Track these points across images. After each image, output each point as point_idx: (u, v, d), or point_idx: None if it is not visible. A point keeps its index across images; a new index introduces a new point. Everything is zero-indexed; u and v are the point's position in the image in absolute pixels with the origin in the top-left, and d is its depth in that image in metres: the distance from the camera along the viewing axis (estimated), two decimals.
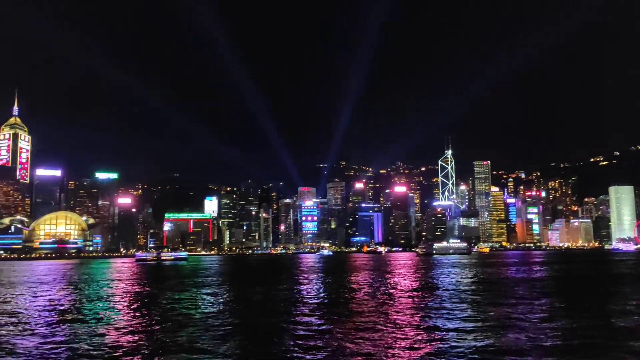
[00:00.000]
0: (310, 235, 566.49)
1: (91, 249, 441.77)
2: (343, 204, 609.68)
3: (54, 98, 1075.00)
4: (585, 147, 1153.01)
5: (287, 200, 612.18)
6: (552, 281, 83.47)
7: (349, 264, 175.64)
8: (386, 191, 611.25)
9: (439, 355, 27.91)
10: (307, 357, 28.04)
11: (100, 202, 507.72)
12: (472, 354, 28.19)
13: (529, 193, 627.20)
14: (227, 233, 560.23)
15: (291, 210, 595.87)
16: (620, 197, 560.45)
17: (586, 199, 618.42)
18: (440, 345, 30.39)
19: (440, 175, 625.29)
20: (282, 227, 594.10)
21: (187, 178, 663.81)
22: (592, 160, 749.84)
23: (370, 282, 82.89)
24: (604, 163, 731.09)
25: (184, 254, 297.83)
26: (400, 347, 30.07)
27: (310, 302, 53.85)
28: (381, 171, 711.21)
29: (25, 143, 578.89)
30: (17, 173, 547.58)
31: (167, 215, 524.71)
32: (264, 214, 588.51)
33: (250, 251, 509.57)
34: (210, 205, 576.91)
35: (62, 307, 51.57)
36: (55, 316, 44.96)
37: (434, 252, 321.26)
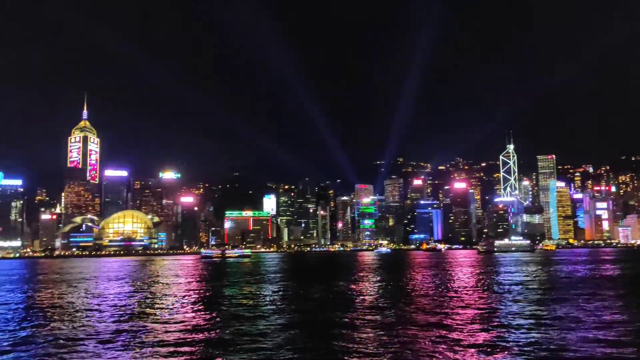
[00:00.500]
0: (368, 233, 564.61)
1: (156, 246, 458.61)
2: (401, 201, 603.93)
3: (119, 101, 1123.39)
4: None
5: (345, 198, 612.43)
6: (626, 280, 79.09)
7: (408, 262, 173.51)
8: (445, 187, 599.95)
9: (504, 354, 26.94)
10: (369, 355, 27.71)
11: (164, 201, 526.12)
12: (535, 352, 27.05)
13: (597, 188, 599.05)
14: (285, 230, 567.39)
15: (348, 208, 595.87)
16: None
17: None
18: (503, 345, 29.32)
19: (501, 171, 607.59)
20: (340, 225, 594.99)
21: (246, 177, 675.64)
22: None
23: (430, 280, 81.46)
24: None
25: (247, 251, 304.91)
26: (463, 345, 29.23)
27: (370, 299, 53.42)
28: (440, 167, 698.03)
29: (94, 145, 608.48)
30: (87, 174, 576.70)
31: (227, 213, 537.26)
32: (322, 212, 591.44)
33: (308, 248, 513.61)
34: (269, 203, 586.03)
35: (145, 303, 53.58)
36: (134, 309, 46.75)
37: (495, 249, 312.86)
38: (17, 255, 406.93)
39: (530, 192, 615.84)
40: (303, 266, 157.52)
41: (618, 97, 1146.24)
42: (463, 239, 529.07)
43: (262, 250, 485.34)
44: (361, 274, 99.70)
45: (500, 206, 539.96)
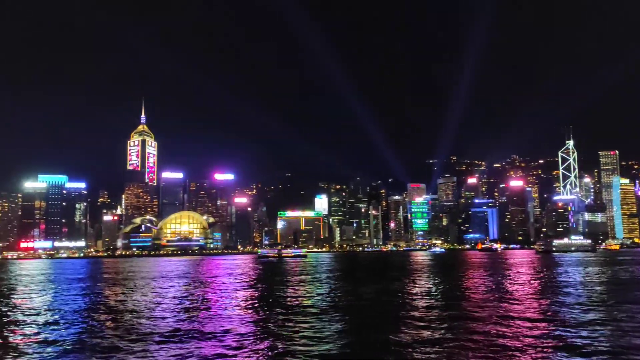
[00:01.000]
0: (421, 233, 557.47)
1: (211, 246, 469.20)
2: (455, 200, 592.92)
3: (175, 106, 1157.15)
4: None
5: (397, 197, 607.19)
6: None
7: (463, 262, 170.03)
8: (501, 186, 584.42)
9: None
10: (427, 356, 27.31)
11: (218, 202, 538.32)
12: (597, 355, 25.89)
13: None
14: (337, 230, 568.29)
15: (401, 207, 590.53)
16: None
17: None
18: (565, 352, 28.22)
19: (561, 168, 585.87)
20: (392, 224, 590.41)
21: (298, 177, 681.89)
22: None
23: (487, 280, 79.48)
24: None
25: (303, 251, 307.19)
26: (521, 348, 28.33)
27: (426, 300, 52.66)
28: (495, 165, 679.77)
29: (152, 148, 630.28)
30: (146, 176, 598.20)
31: (279, 213, 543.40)
32: (374, 211, 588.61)
33: (360, 248, 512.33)
34: (321, 203, 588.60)
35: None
36: (198, 306, 48.01)
37: (554, 249, 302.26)
38: (82, 254, 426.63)
39: (592, 190, 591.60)
40: (359, 266, 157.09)
41: None
42: (520, 238, 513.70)
43: (315, 250, 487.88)
44: (417, 274, 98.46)
45: (560, 204, 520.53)
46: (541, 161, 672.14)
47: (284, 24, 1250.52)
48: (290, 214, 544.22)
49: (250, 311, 45.34)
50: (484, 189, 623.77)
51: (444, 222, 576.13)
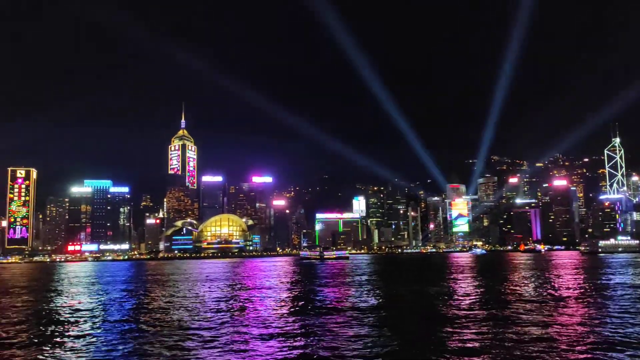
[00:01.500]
0: (462, 234, 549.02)
1: (250, 248, 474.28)
2: (496, 201, 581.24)
3: (213, 110, 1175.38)
4: None
5: (436, 198, 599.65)
6: None
7: (506, 263, 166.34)
8: (544, 185, 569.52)
9: None
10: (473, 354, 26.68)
11: (257, 205, 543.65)
12: None
13: None
14: (375, 232, 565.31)
15: (440, 208, 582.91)
16: None
17: None
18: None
19: (607, 166, 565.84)
20: (432, 226, 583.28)
21: (335, 179, 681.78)
22: None
23: (533, 282, 77.41)
24: None
25: (345, 252, 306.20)
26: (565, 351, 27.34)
27: (470, 302, 51.64)
28: (537, 164, 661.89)
29: (192, 153, 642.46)
30: (186, 180, 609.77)
31: (317, 215, 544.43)
32: (412, 213, 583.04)
33: (399, 250, 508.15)
34: (358, 205, 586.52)
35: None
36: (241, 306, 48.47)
37: (600, 250, 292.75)
38: (126, 257, 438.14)
39: None
40: (402, 267, 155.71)
41: None
42: (565, 239, 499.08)
43: (353, 251, 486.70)
44: (462, 276, 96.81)
45: (606, 204, 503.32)
46: (586, 159, 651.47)
47: (317, 25, 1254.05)
48: (328, 216, 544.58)
49: (294, 311, 45.37)
50: (525, 188, 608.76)
51: (485, 222, 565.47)
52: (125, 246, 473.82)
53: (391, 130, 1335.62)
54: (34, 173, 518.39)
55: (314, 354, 28.51)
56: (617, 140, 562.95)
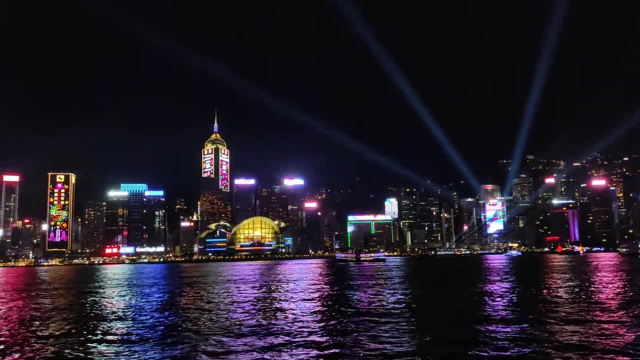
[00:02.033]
0: (496, 235, 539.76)
1: (283, 250, 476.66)
2: (532, 201, 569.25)
3: (245, 114, 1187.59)
4: None
5: (469, 199, 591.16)
6: None
7: (544, 265, 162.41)
8: (582, 185, 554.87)
9: None
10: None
11: (289, 207, 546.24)
12: None
13: None
14: (408, 234, 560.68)
15: (474, 210, 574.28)
16: None
17: None
18: None
19: None
20: (466, 227, 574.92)
21: (367, 181, 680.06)
22: None
23: (573, 285, 75.23)
24: None
25: (382, 254, 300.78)
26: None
27: (507, 306, 50.47)
28: (575, 164, 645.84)
29: (224, 156, 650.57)
30: (220, 183, 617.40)
31: (349, 217, 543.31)
32: (445, 214, 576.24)
33: (432, 252, 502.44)
34: (391, 207, 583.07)
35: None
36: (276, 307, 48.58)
37: None
38: (161, 259, 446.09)
39: None
40: (437, 270, 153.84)
41: None
42: (604, 240, 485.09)
43: (386, 254, 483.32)
44: (500, 278, 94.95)
45: None
46: (626, 158, 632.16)
47: (347, 30, 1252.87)
48: (360, 217, 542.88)
49: (328, 313, 45.14)
50: (562, 189, 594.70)
51: (521, 224, 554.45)
52: (161, 249, 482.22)
53: (423, 133, 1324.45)
54: (73, 178, 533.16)
55: (353, 355, 28.17)
56: None
